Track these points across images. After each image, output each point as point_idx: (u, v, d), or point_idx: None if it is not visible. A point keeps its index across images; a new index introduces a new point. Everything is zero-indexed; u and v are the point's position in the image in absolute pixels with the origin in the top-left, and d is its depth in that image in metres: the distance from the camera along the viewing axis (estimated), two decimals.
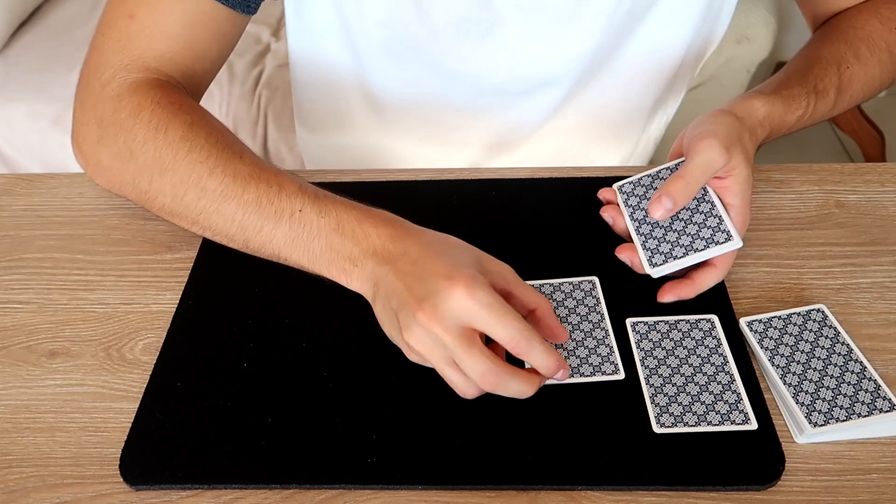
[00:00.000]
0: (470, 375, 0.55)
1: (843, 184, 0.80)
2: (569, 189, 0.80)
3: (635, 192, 0.69)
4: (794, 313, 0.66)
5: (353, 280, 0.60)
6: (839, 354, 0.63)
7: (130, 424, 0.61)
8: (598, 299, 0.68)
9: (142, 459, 0.59)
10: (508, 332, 0.54)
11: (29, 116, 1.60)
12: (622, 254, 0.67)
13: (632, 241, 0.67)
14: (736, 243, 0.63)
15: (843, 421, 0.58)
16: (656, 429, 0.59)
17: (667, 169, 0.69)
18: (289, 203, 0.62)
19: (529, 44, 0.81)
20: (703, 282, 0.65)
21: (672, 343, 0.64)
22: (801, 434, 0.59)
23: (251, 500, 0.57)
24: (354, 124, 0.93)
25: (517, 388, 0.56)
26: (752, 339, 0.64)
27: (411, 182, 0.82)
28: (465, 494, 0.57)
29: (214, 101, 1.60)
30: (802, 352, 0.63)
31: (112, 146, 0.68)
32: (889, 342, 0.65)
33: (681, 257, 0.64)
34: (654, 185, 0.68)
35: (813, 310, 0.66)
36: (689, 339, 0.65)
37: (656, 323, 0.66)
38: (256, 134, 1.59)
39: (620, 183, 0.71)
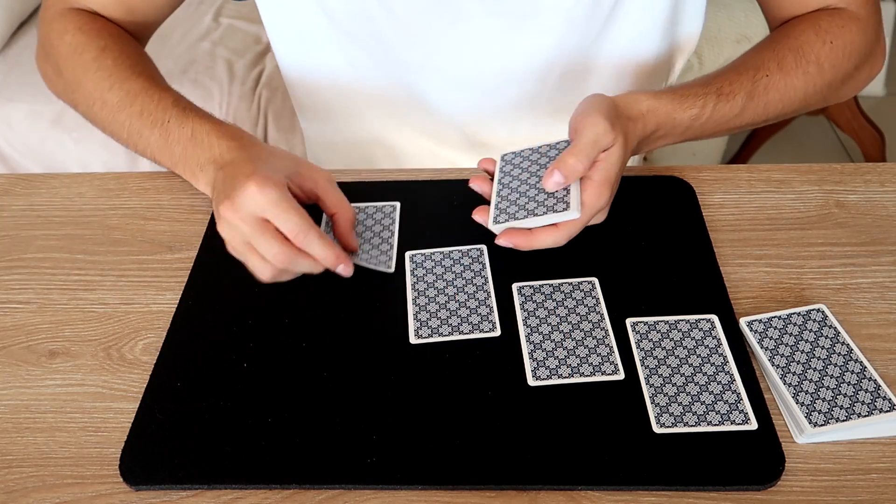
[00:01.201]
0: (266, 257, 0.63)
1: (843, 184, 0.80)
2: None
3: (513, 162, 0.70)
4: (794, 313, 0.66)
5: (200, 183, 0.72)
6: (839, 354, 0.63)
7: (130, 424, 0.61)
8: (597, 299, 0.68)
9: (142, 459, 0.59)
10: (289, 224, 0.62)
11: (29, 116, 1.60)
12: (476, 216, 0.68)
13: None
14: (572, 214, 0.64)
15: (843, 421, 0.58)
16: (656, 429, 0.59)
17: (547, 146, 0.70)
18: (162, 114, 0.73)
19: (493, 37, 0.82)
20: (540, 238, 0.65)
21: (672, 343, 0.64)
22: (801, 434, 0.59)
23: (251, 500, 0.57)
24: (349, 114, 0.94)
25: (306, 265, 0.64)
26: (752, 339, 0.64)
27: (411, 182, 0.82)
28: (465, 494, 0.57)
29: (214, 100, 1.60)
30: (802, 352, 0.63)
31: (50, 62, 0.84)
32: (889, 342, 0.65)
33: (521, 218, 0.65)
34: (531, 158, 0.70)
35: (813, 310, 0.66)
36: (689, 339, 0.65)
37: (656, 323, 0.66)
38: (256, 134, 1.59)
39: (505, 153, 0.71)
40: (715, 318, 0.66)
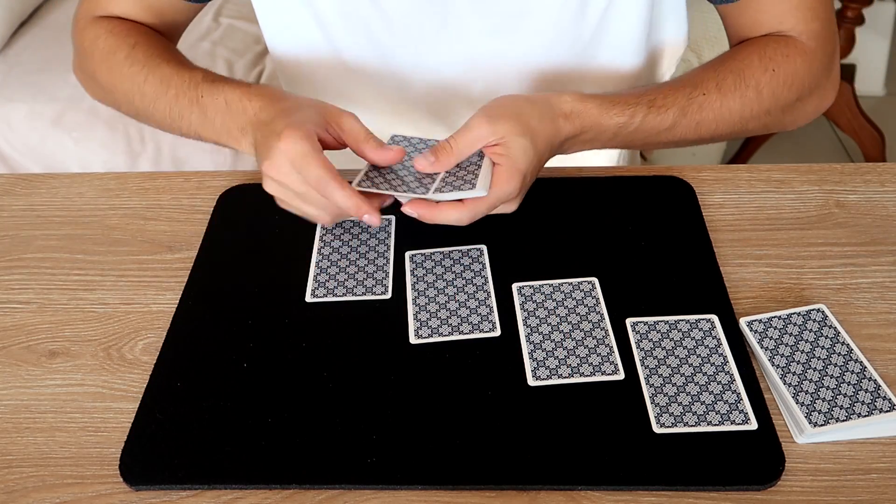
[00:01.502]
0: (310, 206, 0.68)
1: (843, 184, 0.80)
2: (568, 189, 0.80)
3: (403, 143, 0.73)
4: (794, 313, 0.66)
5: (244, 145, 0.74)
6: (839, 354, 0.63)
7: (130, 424, 0.61)
8: (597, 299, 0.68)
9: (142, 459, 0.59)
10: (310, 178, 0.65)
11: (29, 116, 1.60)
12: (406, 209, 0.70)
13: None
14: (479, 192, 0.66)
15: (843, 421, 0.58)
16: (656, 429, 0.59)
17: (435, 140, 0.72)
18: (195, 91, 0.76)
19: (484, 38, 0.82)
20: (445, 213, 0.68)
21: (672, 343, 0.64)
22: (801, 434, 0.59)
23: (251, 500, 0.57)
24: (342, 105, 0.94)
25: (331, 212, 0.68)
26: (752, 339, 0.64)
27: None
28: (465, 494, 0.57)
29: None
30: (802, 352, 0.63)
31: (85, 69, 0.86)
32: (889, 342, 0.65)
33: (424, 195, 0.68)
34: (418, 147, 0.73)
35: (813, 310, 0.66)
36: (689, 339, 0.65)
37: (656, 323, 0.66)
38: None
39: (395, 134, 0.74)
40: (715, 318, 0.66)
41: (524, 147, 0.67)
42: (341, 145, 0.70)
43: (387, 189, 0.68)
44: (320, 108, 0.70)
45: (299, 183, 0.66)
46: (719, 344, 0.64)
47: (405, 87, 0.89)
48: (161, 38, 0.86)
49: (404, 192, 0.68)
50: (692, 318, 0.66)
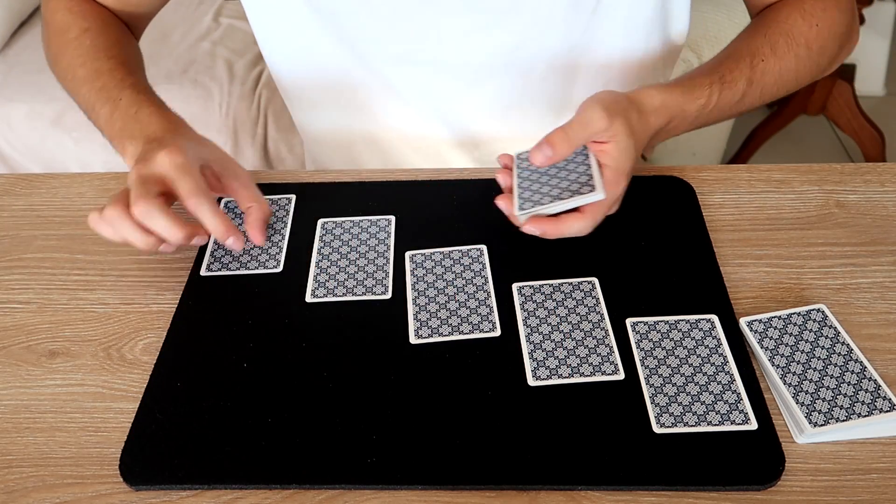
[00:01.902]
0: (169, 226, 0.67)
1: (843, 184, 0.80)
2: None
3: (529, 159, 0.70)
4: (794, 313, 0.66)
5: (126, 153, 0.75)
6: (839, 354, 0.63)
7: (130, 424, 0.61)
8: (597, 299, 0.68)
9: (142, 459, 0.59)
10: (184, 190, 0.67)
11: (29, 116, 1.60)
12: (499, 202, 0.69)
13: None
14: (598, 195, 0.64)
15: (843, 421, 0.58)
16: (656, 429, 0.59)
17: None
18: (117, 92, 0.78)
19: (474, 31, 0.83)
20: (567, 224, 0.66)
21: (672, 343, 0.64)
22: (801, 434, 0.59)
23: (251, 500, 0.57)
24: (339, 107, 0.94)
25: (211, 217, 0.68)
26: (752, 339, 0.64)
27: (411, 182, 0.82)
28: (465, 494, 0.57)
29: (214, 101, 1.60)
30: (802, 352, 0.63)
31: (45, 41, 0.89)
32: (889, 342, 0.65)
33: (546, 203, 0.66)
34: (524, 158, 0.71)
35: (813, 310, 0.66)
36: (689, 339, 0.65)
37: (656, 323, 0.66)
38: (256, 134, 1.59)
39: (520, 152, 0.72)
40: (715, 318, 0.66)
41: (629, 148, 0.66)
42: (223, 192, 0.75)
43: (549, 202, 0.66)
44: (223, 155, 0.74)
45: (147, 196, 0.66)
46: (719, 344, 0.64)
47: (397, 79, 0.88)
48: (118, 29, 0.88)
49: (568, 197, 0.65)
50: (692, 318, 0.66)
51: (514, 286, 0.70)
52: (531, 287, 0.69)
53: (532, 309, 0.68)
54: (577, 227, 0.66)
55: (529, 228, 0.66)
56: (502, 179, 0.71)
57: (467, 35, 0.83)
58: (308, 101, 0.96)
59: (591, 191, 0.64)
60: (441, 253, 0.73)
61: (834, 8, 0.80)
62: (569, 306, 0.68)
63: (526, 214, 0.67)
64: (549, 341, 0.65)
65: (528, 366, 0.63)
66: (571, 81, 0.88)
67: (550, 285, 0.69)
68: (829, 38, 0.80)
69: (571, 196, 0.65)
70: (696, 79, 0.74)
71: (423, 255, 0.73)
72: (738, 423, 0.59)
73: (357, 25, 0.84)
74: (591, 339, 0.65)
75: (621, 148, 0.66)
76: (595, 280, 0.70)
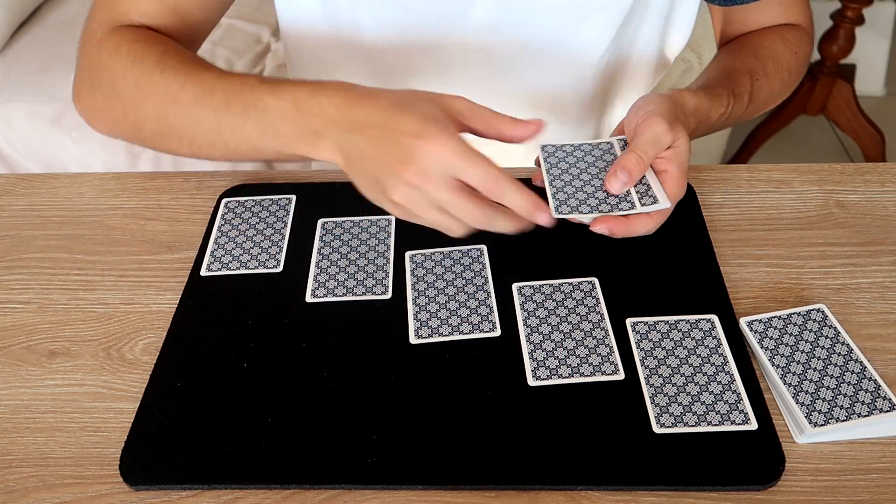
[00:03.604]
0: (463, 220, 0.60)
1: (843, 184, 0.80)
2: None
3: (556, 155, 0.69)
4: (794, 313, 0.66)
5: (323, 151, 0.64)
6: (839, 354, 0.63)
7: (130, 424, 0.61)
8: (597, 299, 0.68)
9: (142, 459, 0.59)
10: (479, 175, 0.59)
11: (29, 116, 1.60)
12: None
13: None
14: (663, 204, 0.64)
15: (843, 421, 0.58)
16: (656, 429, 0.59)
17: (588, 144, 0.69)
18: (251, 95, 0.66)
19: (496, 32, 0.82)
20: (637, 225, 0.65)
21: (672, 343, 0.64)
22: (801, 434, 0.59)
23: (251, 500, 0.57)
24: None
25: (502, 223, 0.61)
26: (752, 339, 0.64)
27: None
28: (465, 494, 0.57)
29: None
30: (802, 352, 0.63)
31: (101, 87, 0.74)
32: (889, 342, 0.65)
33: (605, 212, 0.64)
34: (574, 154, 0.69)
35: (813, 310, 0.66)
36: (689, 339, 0.65)
37: (656, 323, 0.66)
38: None
39: (545, 144, 0.70)
40: (715, 318, 0.66)
41: (686, 147, 0.67)
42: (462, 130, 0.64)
43: (588, 211, 0.64)
44: (431, 98, 0.62)
45: (444, 187, 0.59)
46: (719, 344, 0.64)
47: (425, 74, 0.88)
48: (192, 52, 0.76)
49: (598, 212, 0.64)
50: (692, 318, 0.66)
51: (514, 286, 0.70)
52: (531, 287, 0.69)
53: (532, 309, 0.68)
54: (645, 228, 0.65)
55: (598, 228, 0.65)
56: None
57: (493, 28, 0.82)
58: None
59: (653, 202, 0.64)
60: (441, 253, 0.73)
61: (805, 38, 0.87)
62: (569, 306, 0.68)
63: (563, 216, 0.65)
64: (549, 341, 0.65)
65: (528, 366, 0.63)
66: (607, 81, 0.89)
67: (550, 285, 0.69)
68: (803, 64, 0.86)
69: (632, 207, 0.64)
70: (715, 88, 0.75)
71: (423, 255, 0.73)
72: (739, 423, 0.59)
73: (389, 10, 0.82)
74: (591, 339, 0.65)
75: (681, 151, 0.66)
76: (595, 280, 0.70)
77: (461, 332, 0.66)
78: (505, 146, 0.92)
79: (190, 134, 0.70)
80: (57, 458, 0.60)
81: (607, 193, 0.65)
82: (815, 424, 0.58)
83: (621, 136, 0.69)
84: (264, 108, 0.65)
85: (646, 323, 0.66)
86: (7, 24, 1.75)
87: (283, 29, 0.89)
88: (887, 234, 0.75)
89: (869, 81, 2.43)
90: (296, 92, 0.64)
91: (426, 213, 0.61)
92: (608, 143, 0.69)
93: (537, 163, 0.70)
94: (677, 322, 0.66)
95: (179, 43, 0.77)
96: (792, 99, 2.11)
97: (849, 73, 2.22)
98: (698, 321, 0.66)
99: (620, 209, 0.64)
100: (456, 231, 0.62)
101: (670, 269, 0.71)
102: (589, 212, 0.64)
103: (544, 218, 0.62)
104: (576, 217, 0.65)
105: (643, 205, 0.64)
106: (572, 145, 0.70)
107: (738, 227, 0.76)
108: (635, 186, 0.65)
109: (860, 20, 1.98)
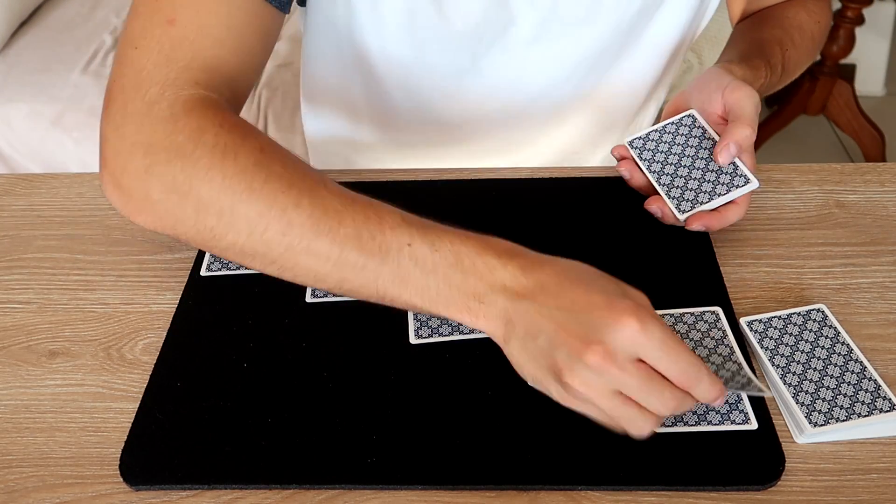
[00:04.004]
0: (656, 410, 0.52)
1: (843, 184, 0.80)
2: (569, 189, 0.80)
3: (647, 147, 0.73)
4: (794, 313, 0.66)
5: (480, 318, 0.54)
6: (839, 354, 0.63)
7: (130, 424, 0.61)
8: None
9: (142, 459, 0.59)
10: (680, 368, 0.51)
11: (29, 116, 1.60)
12: (653, 206, 0.71)
13: (653, 193, 0.72)
14: (754, 184, 0.68)
15: (843, 421, 0.58)
16: (656, 428, 0.59)
17: (671, 124, 0.74)
18: (394, 237, 0.55)
19: (540, 45, 0.82)
20: (730, 216, 0.69)
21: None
22: (801, 434, 0.59)
23: (251, 500, 0.57)
24: (360, 117, 0.93)
25: (690, 405, 0.53)
26: (752, 339, 0.64)
27: (411, 182, 0.82)
28: (465, 494, 0.57)
29: None
30: (802, 352, 0.63)
31: (166, 176, 0.58)
32: (889, 342, 0.65)
33: (706, 202, 0.69)
34: (663, 140, 0.73)
35: (813, 310, 0.66)
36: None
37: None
38: None
39: (631, 139, 0.74)
40: (719, 309, 0.66)
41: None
42: None
43: (708, 199, 0.69)
44: (611, 279, 0.55)
45: (634, 372, 0.50)
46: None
47: (452, 96, 0.87)
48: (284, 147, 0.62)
49: (726, 192, 0.69)
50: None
51: None
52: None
53: None
54: (736, 216, 0.69)
55: (696, 227, 0.68)
56: (627, 172, 0.74)
57: (533, 47, 0.81)
58: (334, 115, 0.94)
59: (745, 182, 0.68)
60: None
61: (825, 7, 0.90)
62: None
63: (689, 215, 0.69)
64: None
65: None
66: (617, 81, 0.89)
67: None
68: (825, 32, 0.90)
69: (728, 191, 0.68)
70: (753, 60, 0.78)
71: None
72: (738, 423, 0.59)
73: (428, 37, 0.80)
74: None
75: (752, 127, 0.69)
76: None
77: (461, 332, 0.66)
78: (500, 146, 0.92)
79: (293, 260, 0.57)
80: (57, 458, 0.60)
81: (716, 175, 0.69)
82: (815, 424, 0.58)
83: (690, 112, 0.74)
84: (412, 257, 0.55)
85: None
86: (7, 24, 1.75)
87: (307, 49, 0.89)
88: (887, 234, 0.75)
89: (869, 81, 2.43)
90: (457, 245, 0.55)
91: (605, 401, 0.52)
92: (689, 116, 0.73)
93: (619, 156, 0.74)
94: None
95: (231, 104, 0.65)
96: (792, 99, 2.12)
97: (849, 73, 2.22)
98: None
99: (719, 194, 0.68)
100: (645, 428, 0.53)
101: (671, 268, 0.71)
102: (708, 200, 0.69)
103: (719, 403, 0.54)
104: (696, 209, 0.69)
105: (737, 186, 0.68)
106: (657, 131, 0.74)
107: (738, 227, 0.76)
108: (724, 169, 0.69)
109: (860, 20, 1.98)
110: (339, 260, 0.56)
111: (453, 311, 0.55)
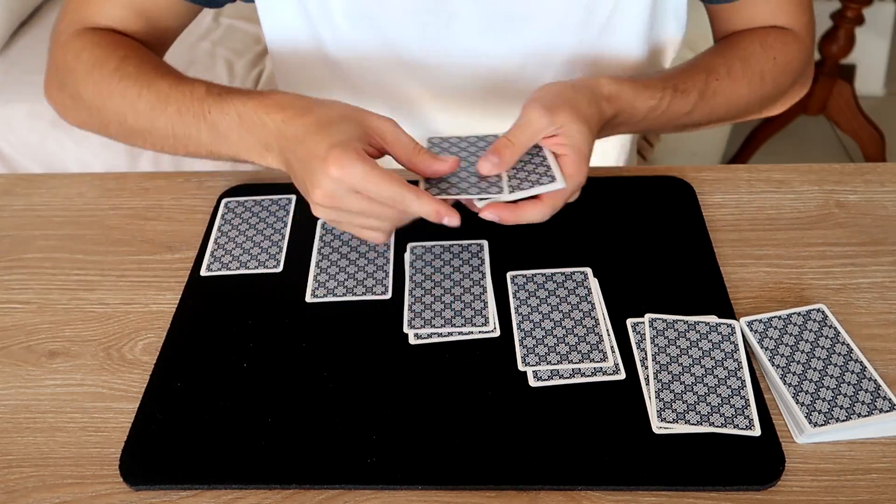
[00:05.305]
0: (380, 226, 0.64)
1: (843, 184, 0.80)
2: None
3: (441, 146, 0.70)
4: (794, 313, 0.66)
5: (272, 162, 0.68)
6: (839, 354, 0.63)
7: (130, 424, 0.61)
8: (599, 299, 0.68)
9: (142, 459, 0.59)
10: (385, 194, 0.61)
11: (29, 116, 1.60)
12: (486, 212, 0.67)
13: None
14: (558, 185, 0.64)
15: (843, 421, 0.58)
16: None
17: (475, 137, 0.71)
18: (199, 107, 0.69)
19: (484, 38, 0.82)
20: (527, 212, 0.65)
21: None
22: (801, 434, 0.59)
23: (251, 500, 0.57)
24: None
25: (408, 218, 0.64)
26: (752, 339, 0.64)
27: (411, 182, 0.82)
28: (465, 494, 0.57)
29: None
30: (802, 352, 0.63)
31: (68, 87, 0.77)
32: (889, 342, 0.65)
33: (499, 195, 0.64)
34: (459, 145, 0.70)
35: (813, 310, 0.66)
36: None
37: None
38: None
39: (432, 137, 0.71)
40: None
41: (584, 133, 0.66)
42: (381, 155, 0.66)
43: (457, 193, 0.65)
44: (357, 118, 0.64)
45: (357, 203, 0.62)
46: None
47: (407, 88, 0.88)
48: (151, 52, 0.79)
49: (477, 194, 0.64)
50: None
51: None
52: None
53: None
54: (537, 214, 0.65)
55: (487, 214, 0.65)
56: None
57: (477, 40, 0.82)
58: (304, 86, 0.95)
59: (551, 181, 0.64)
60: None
61: (794, 45, 0.82)
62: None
63: (486, 202, 0.65)
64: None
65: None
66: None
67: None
68: (784, 72, 0.81)
69: (531, 186, 0.64)
70: (650, 81, 0.74)
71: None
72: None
73: (368, 26, 0.82)
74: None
75: (572, 133, 0.65)
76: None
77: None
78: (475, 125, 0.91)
79: (151, 137, 0.74)
80: (57, 458, 0.60)
81: (486, 180, 0.65)
82: (815, 424, 0.58)
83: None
84: (213, 122, 0.69)
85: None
86: (7, 24, 1.74)
87: (270, 46, 0.90)
88: (887, 234, 0.75)
89: (869, 81, 2.42)
90: (239, 106, 0.68)
91: (349, 223, 0.64)
92: (495, 136, 0.69)
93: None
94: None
95: (147, 46, 0.80)
96: None
97: (849, 73, 2.22)
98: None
99: (521, 188, 0.64)
100: (377, 237, 0.65)
101: (671, 269, 0.71)
102: (457, 194, 0.65)
103: (453, 221, 0.62)
104: (451, 198, 0.65)
105: (541, 185, 0.64)
106: (459, 137, 0.71)
107: (738, 227, 0.76)
108: (537, 170, 0.65)
109: (860, 20, 1.98)
110: (174, 134, 0.71)
111: (252, 157, 0.69)
